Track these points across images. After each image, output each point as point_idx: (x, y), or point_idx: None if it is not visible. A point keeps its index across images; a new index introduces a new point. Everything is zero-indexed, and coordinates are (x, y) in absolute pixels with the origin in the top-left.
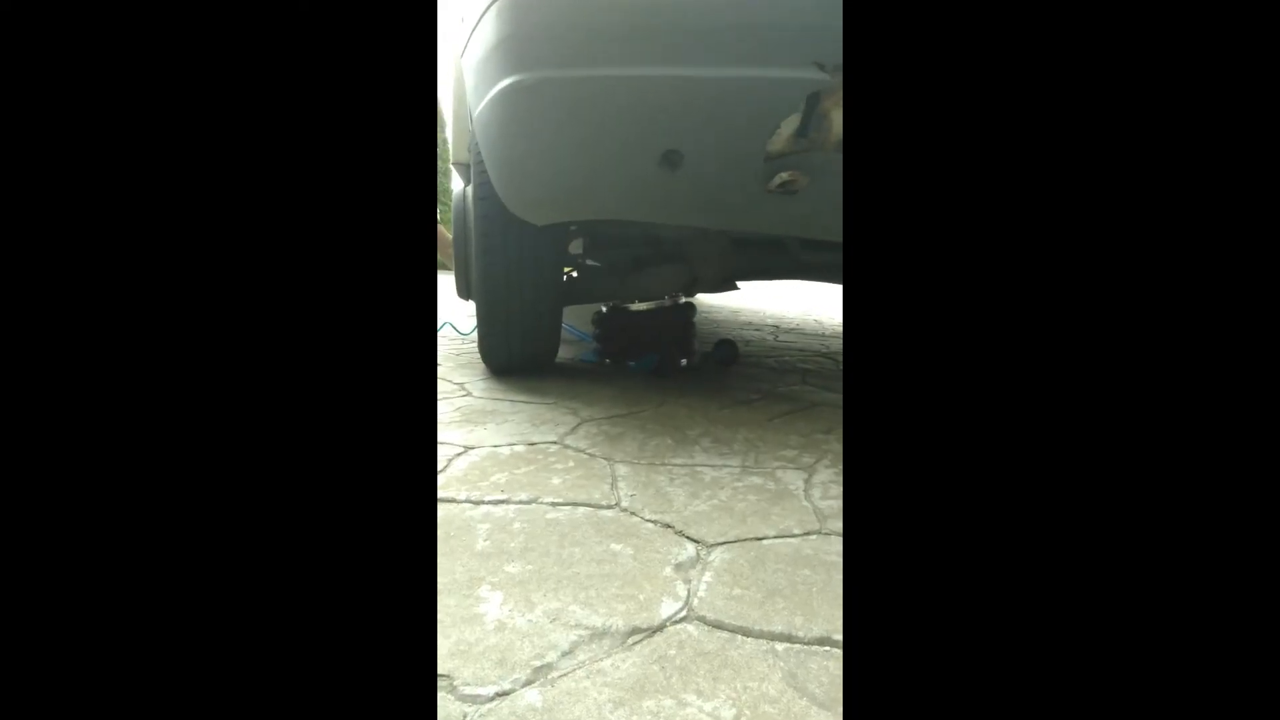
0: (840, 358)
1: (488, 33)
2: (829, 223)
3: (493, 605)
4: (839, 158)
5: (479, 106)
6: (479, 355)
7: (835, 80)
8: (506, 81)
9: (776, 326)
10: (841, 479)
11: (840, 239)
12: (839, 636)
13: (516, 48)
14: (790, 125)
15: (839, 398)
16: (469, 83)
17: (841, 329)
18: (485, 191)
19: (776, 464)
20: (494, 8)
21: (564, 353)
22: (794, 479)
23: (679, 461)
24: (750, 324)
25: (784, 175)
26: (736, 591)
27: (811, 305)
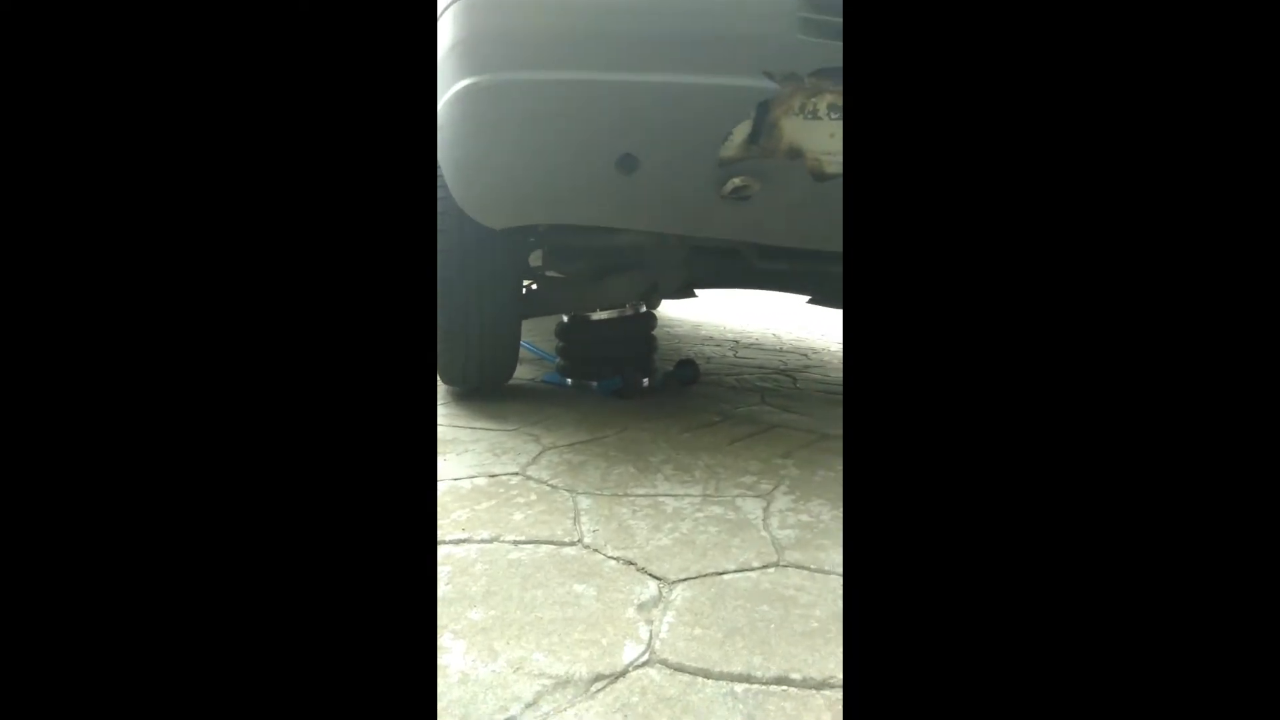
0: (796, 375)
1: (445, 35)
2: (780, 228)
3: (455, 655)
4: (789, 165)
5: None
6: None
7: (784, 90)
8: (463, 83)
9: (737, 342)
10: (797, 506)
11: (791, 245)
12: (796, 675)
13: (473, 50)
14: (742, 132)
15: (796, 419)
16: None
17: (797, 343)
18: (443, 206)
19: (736, 491)
20: (451, 10)
21: (525, 372)
22: (753, 507)
23: (641, 492)
24: (711, 339)
25: (737, 181)
26: (698, 631)
27: (771, 320)
